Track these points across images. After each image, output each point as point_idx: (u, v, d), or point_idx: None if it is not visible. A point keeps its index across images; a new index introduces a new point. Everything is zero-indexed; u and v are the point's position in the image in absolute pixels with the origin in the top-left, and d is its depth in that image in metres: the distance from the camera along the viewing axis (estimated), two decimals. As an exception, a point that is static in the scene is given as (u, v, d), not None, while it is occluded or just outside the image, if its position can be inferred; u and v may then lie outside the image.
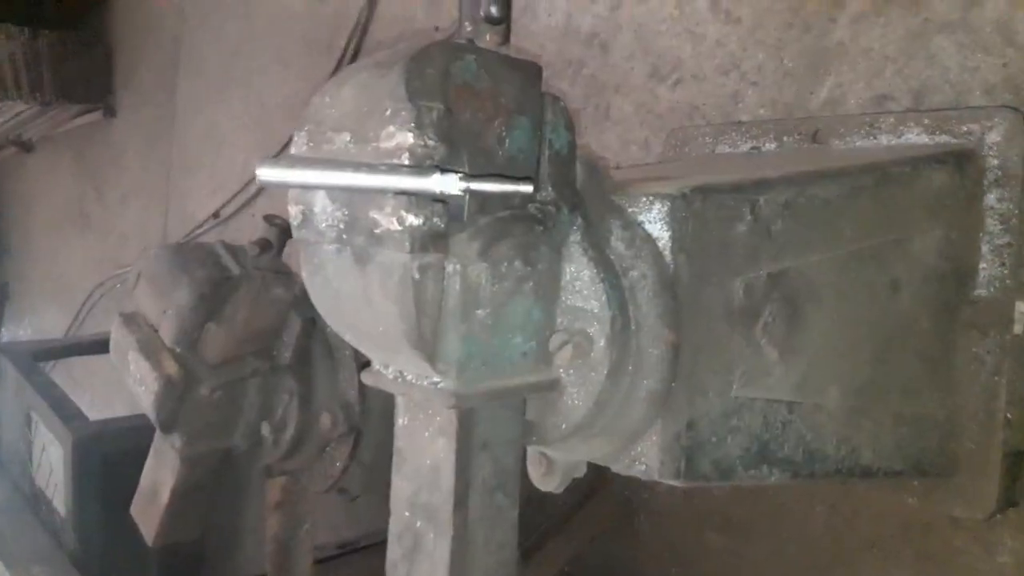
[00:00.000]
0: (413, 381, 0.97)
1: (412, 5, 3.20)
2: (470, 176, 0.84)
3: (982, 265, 1.52)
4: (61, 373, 5.08)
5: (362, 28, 3.26)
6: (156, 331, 1.55)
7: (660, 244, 1.06)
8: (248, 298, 1.53)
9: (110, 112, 5.33)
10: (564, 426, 1.05)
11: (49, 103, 5.17)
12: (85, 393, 4.72)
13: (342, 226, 0.87)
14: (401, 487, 1.02)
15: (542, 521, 2.09)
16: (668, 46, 2.26)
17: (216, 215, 4.07)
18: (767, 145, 1.87)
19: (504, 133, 0.94)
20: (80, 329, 5.46)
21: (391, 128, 0.83)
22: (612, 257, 1.04)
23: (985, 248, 1.51)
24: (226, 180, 4.11)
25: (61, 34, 5.18)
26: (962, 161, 1.49)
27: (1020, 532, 1.63)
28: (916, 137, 1.59)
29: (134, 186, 5.23)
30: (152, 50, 5.09)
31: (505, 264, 0.93)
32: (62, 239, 6.18)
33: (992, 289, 1.52)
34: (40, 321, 6.65)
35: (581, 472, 1.18)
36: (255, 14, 4.24)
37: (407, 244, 0.83)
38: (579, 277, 1.01)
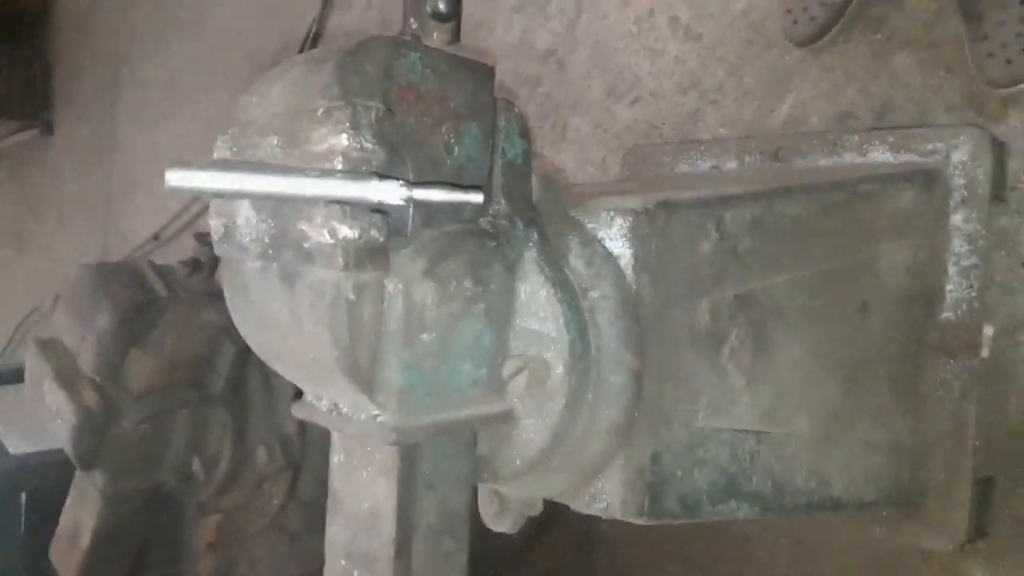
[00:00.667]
0: (349, 414, 0.87)
1: (364, 22, 3.12)
2: (413, 184, 0.75)
3: (949, 287, 1.48)
4: (-9, 402, 4.83)
5: (311, 44, 3.17)
6: (75, 358, 1.43)
7: (622, 263, 0.98)
8: (176, 323, 1.42)
9: (47, 129, 5.12)
10: (519, 461, 0.95)
11: (-19, 120, 4.96)
12: (16, 426, 4.48)
13: (268, 240, 0.78)
14: (336, 532, 0.91)
15: (495, 557, 1.99)
16: (626, 63, 2.21)
17: (156, 236, 3.91)
18: (728, 164, 1.82)
19: (452, 140, 0.85)
20: (12, 356, 5.21)
21: (323, 129, 0.74)
22: (571, 276, 0.96)
23: (952, 269, 1.47)
24: (168, 200, 3.95)
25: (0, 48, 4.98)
26: (929, 180, 1.44)
27: (990, 563, 1.57)
28: (881, 155, 1.54)
29: (72, 206, 5.03)
30: (93, 67, 4.92)
31: (453, 283, 0.84)
32: (-5, 262, 5.92)
33: (959, 312, 1.47)
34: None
35: (536, 510, 1.08)
36: (202, 32, 4.12)
37: (340, 260, 0.73)
38: (535, 298, 0.92)
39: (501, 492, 1.05)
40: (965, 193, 1.46)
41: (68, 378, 1.40)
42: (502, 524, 1.06)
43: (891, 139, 1.53)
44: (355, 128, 0.73)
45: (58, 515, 1.66)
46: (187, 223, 3.81)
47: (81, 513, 1.57)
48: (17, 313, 5.26)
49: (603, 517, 1.04)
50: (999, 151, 1.46)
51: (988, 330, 1.51)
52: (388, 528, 0.86)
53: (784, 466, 1.20)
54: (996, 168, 1.45)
